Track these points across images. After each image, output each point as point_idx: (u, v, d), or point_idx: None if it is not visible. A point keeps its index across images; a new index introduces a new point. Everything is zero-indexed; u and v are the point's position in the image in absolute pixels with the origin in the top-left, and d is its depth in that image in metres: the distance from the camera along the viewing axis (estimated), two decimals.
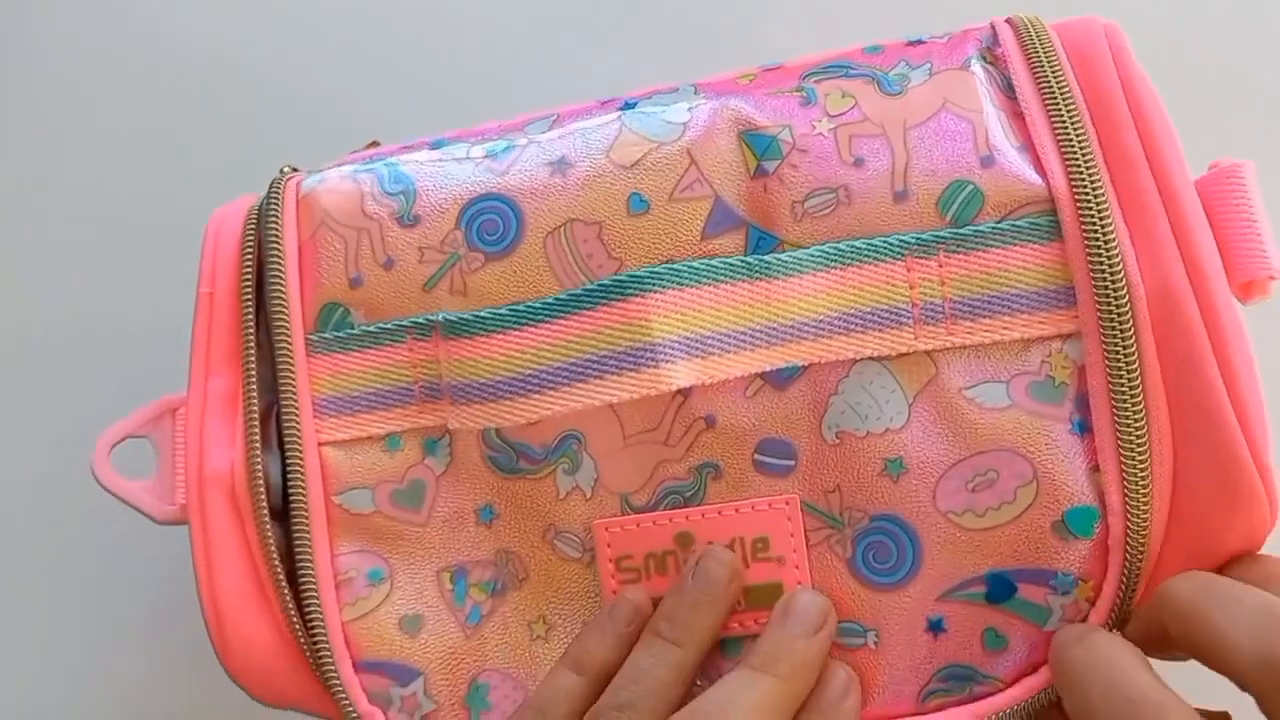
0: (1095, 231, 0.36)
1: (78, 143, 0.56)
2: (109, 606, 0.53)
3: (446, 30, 0.55)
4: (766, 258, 0.38)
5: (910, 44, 0.40)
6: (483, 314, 0.39)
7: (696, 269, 0.38)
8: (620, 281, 0.38)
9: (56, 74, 0.57)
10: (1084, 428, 0.36)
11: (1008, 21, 0.39)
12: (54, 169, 0.56)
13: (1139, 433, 0.35)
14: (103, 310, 0.55)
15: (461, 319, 0.39)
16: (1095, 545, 0.36)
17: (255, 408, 0.40)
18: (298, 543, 0.40)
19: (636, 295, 0.37)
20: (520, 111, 0.43)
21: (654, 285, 0.37)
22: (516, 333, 0.38)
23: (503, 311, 0.39)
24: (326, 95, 0.55)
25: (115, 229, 0.55)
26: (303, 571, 0.40)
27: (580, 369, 0.38)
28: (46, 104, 0.57)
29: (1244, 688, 0.31)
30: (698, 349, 0.37)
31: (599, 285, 0.38)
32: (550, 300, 0.38)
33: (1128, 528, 0.35)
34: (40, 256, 0.56)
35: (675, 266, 0.38)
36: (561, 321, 0.38)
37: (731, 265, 0.38)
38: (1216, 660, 0.31)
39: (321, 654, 0.39)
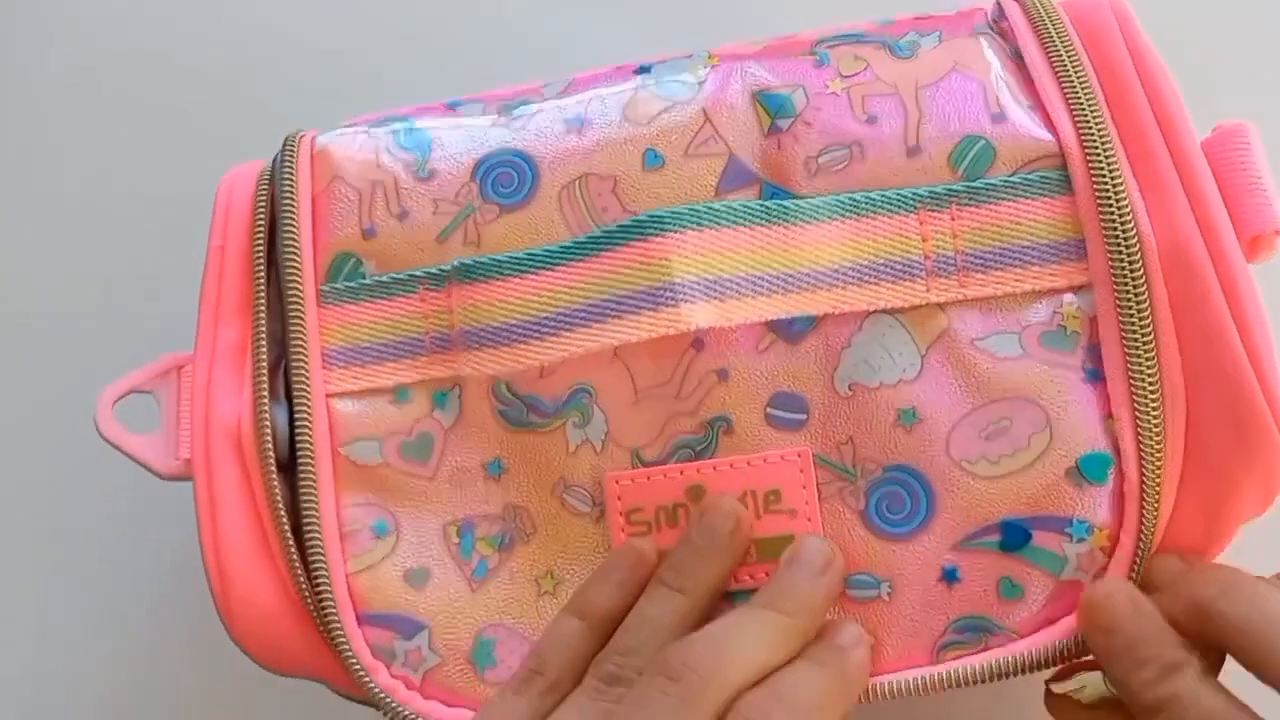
0: (1105, 182, 0.36)
1: (79, 124, 0.57)
2: (111, 584, 0.52)
3: (455, 9, 0.56)
4: (785, 203, 0.38)
5: (919, 18, 0.41)
6: (499, 257, 0.39)
7: (716, 210, 0.38)
8: (640, 222, 0.38)
9: (60, 53, 0.57)
10: (1096, 376, 0.36)
11: None
12: (56, 147, 0.57)
13: (1151, 379, 0.35)
14: (105, 309, 0.55)
15: (477, 262, 0.39)
16: (1110, 492, 0.36)
17: (264, 358, 0.40)
18: (303, 493, 0.39)
19: (657, 235, 0.38)
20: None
21: (674, 225, 0.38)
22: (533, 276, 0.39)
23: (519, 255, 0.39)
24: (332, 75, 0.55)
25: (115, 211, 0.55)
26: (308, 522, 0.39)
27: (598, 310, 0.38)
28: (48, 83, 0.57)
29: None
30: (715, 291, 0.37)
31: (619, 226, 0.38)
32: (569, 244, 0.39)
33: (1143, 474, 0.35)
34: (40, 238, 0.56)
35: (695, 208, 0.38)
36: (580, 264, 0.38)
37: (750, 209, 0.38)
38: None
39: (325, 606, 0.39)
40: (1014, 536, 0.36)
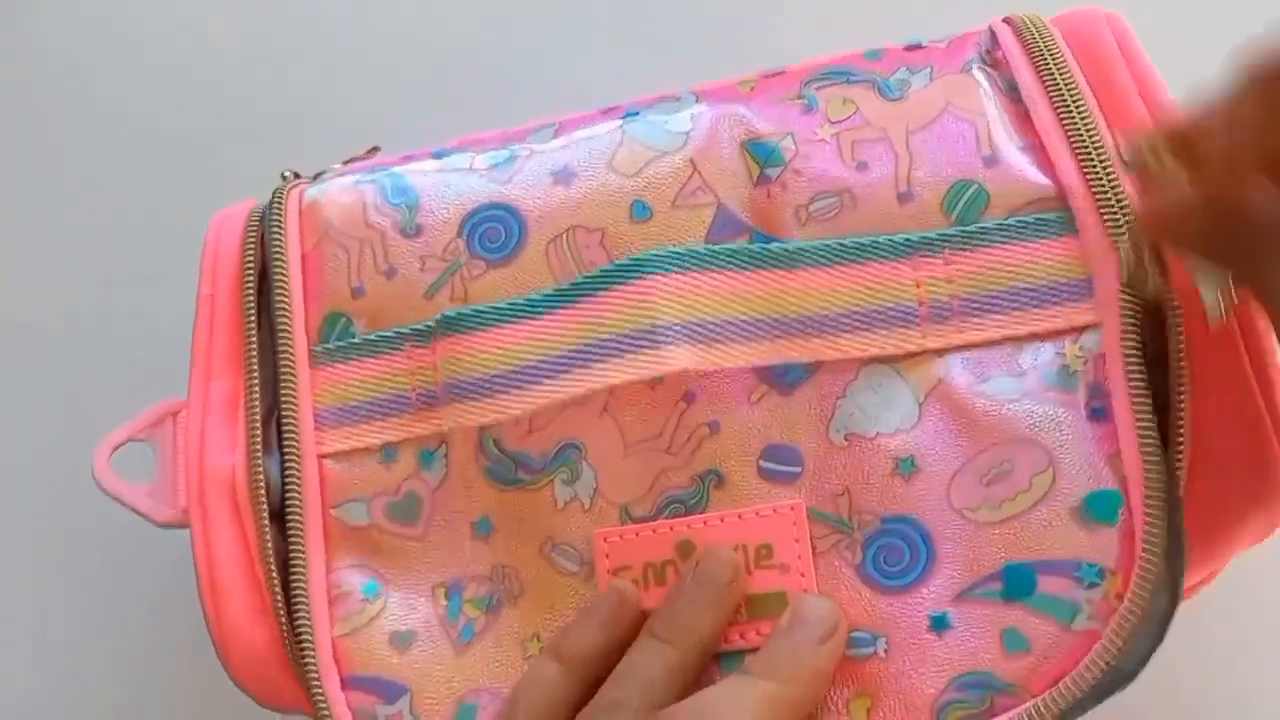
0: (1118, 223, 0.35)
1: (78, 144, 0.58)
2: (111, 584, 0.52)
3: (447, 36, 0.56)
4: (771, 247, 0.37)
5: (910, 49, 0.40)
6: (481, 307, 0.39)
7: (700, 254, 0.37)
8: (623, 266, 0.37)
9: (58, 75, 0.59)
10: (1101, 413, 0.34)
11: (1006, 21, 0.39)
12: (55, 170, 0.58)
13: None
14: (104, 311, 0.55)
15: (460, 314, 0.39)
16: (1121, 533, 0.33)
17: (257, 411, 0.40)
18: (293, 558, 0.39)
19: (639, 278, 0.37)
20: (521, 116, 0.43)
21: (657, 268, 0.37)
22: (515, 324, 0.38)
23: (501, 305, 0.38)
24: (328, 100, 0.56)
25: (115, 230, 0.56)
26: (296, 590, 0.39)
27: (580, 355, 0.37)
28: (48, 106, 0.59)
29: None
30: (701, 334, 0.36)
31: (601, 271, 0.37)
32: (550, 292, 0.38)
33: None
34: (40, 257, 0.57)
35: (679, 251, 0.37)
36: (562, 311, 0.38)
37: (737, 253, 0.37)
38: None
39: (309, 670, 0.38)
40: (1018, 583, 0.34)
